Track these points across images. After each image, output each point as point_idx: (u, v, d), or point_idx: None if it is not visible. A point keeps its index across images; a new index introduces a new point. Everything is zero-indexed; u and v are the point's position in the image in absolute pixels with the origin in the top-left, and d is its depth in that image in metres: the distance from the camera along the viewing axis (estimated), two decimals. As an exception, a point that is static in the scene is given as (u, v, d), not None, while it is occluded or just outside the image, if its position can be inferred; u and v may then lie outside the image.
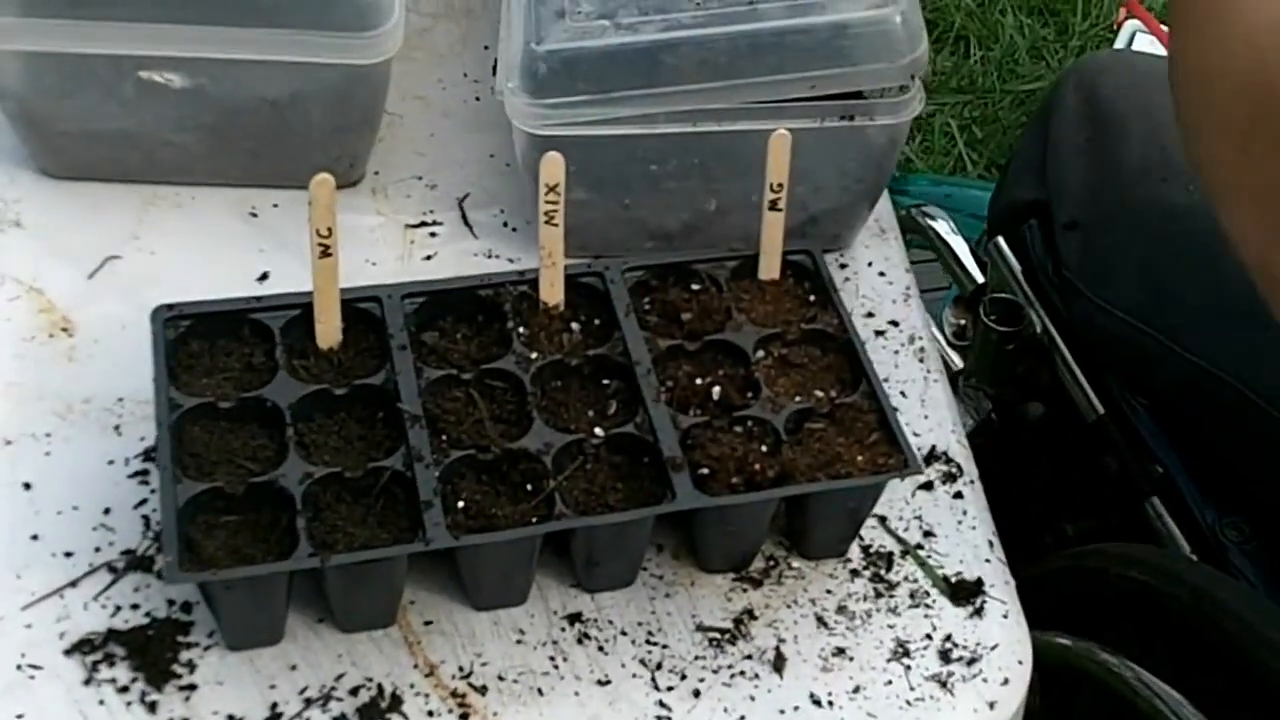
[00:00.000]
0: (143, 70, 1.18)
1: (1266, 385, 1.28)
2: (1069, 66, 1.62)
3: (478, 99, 1.39)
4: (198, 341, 1.07)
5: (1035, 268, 1.53)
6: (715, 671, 1.03)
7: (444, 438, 1.03)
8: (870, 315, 1.26)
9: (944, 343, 1.79)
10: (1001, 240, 1.61)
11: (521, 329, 1.10)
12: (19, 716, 0.97)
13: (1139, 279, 1.37)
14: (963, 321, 1.77)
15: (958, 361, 1.77)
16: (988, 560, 1.11)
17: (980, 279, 1.74)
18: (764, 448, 1.05)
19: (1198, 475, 1.36)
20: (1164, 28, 1.93)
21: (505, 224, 1.29)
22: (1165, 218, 1.39)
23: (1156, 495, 1.38)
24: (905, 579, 1.09)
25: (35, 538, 1.05)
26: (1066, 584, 1.38)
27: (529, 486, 1.02)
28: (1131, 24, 1.97)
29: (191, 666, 1.00)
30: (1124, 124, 1.48)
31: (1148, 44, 1.95)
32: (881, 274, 1.29)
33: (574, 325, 1.12)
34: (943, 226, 1.87)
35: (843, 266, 1.29)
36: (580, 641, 1.04)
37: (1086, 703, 1.41)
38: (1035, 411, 1.55)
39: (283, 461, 1.01)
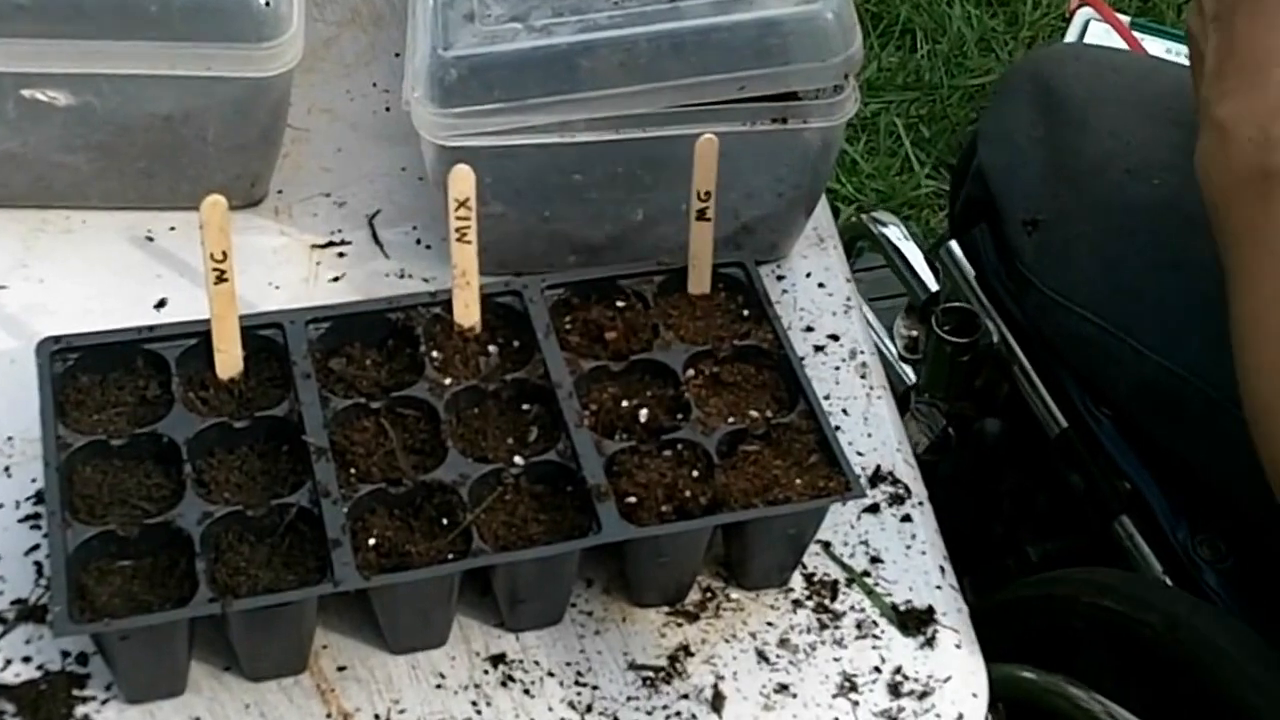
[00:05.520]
0: (25, 89, 1.19)
1: (1233, 387, 1.29)
2: (1020, 58, 1.64)
3: (388, 110, 1.40)
4: (88, 375, 1.08)
5: (989, 272, 1.54)
6: (649, 713, 1.04)
7: (353, 471, 1.04)
8: (809, 329, 1.27)
9: (895, 356, 1.81)
10: (954, 244, 1.62)
11: (435, 353, 1.11)
12: (-98, 781, 0.97)
13: (1100, 275, 1.38)
14: (915, 333, 1.78)
15: (910, 376, 1.78)
16: (939, 587, 1.12)
17: (934, 287, 1.76)
18: (695, 473, 1.06)
19: (1169, 490, 1.37)
20: (1120, 16, 1.95)
21: (419, 241, 1.30)
22: (1128, 212, 1.40)
23: (1125, 513, 1.39)
24: (851, 608, 1.10)
25: (-81, 588, 1.06)
26: (1034, 613, 1.38)
27: (445, 521, 1.03)
28: (1085, 12, 1.98)
29: (87, 722, 1.01)
30: (1084, 114, 1.48)
31: (1102, 33, 1.96)
32: (821, 285, 1.30)
33: (491, 348, 1.13)
34: (894, 232, 1.88)
35: (780, 278, 1.30)
36: (504, 684, 1.04)
37: None
38: (993, 428, 1.56)
39: (180, 501, 1.01)
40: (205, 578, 0.98)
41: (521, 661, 1.06)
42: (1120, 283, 1.37)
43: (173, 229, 1.28)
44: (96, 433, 1.04)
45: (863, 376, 1.24)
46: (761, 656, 1.07)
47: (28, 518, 1.09)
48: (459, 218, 1.08)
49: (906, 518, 1.15)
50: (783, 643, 1.08)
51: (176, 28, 1.17)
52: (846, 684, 1.06)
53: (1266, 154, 1.07)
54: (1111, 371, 1.39)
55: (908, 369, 1.81)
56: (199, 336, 1.08)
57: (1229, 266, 1.10)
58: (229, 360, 1.08)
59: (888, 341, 1.87)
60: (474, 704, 1.03)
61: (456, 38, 1.17)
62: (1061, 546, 1.50)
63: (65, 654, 1.03)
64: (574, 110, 1.16)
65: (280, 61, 1.19)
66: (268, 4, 1.17)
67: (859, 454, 1.18)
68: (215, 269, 1.03)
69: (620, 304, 1.16)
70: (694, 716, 1.04)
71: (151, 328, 1.09)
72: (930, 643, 1.08)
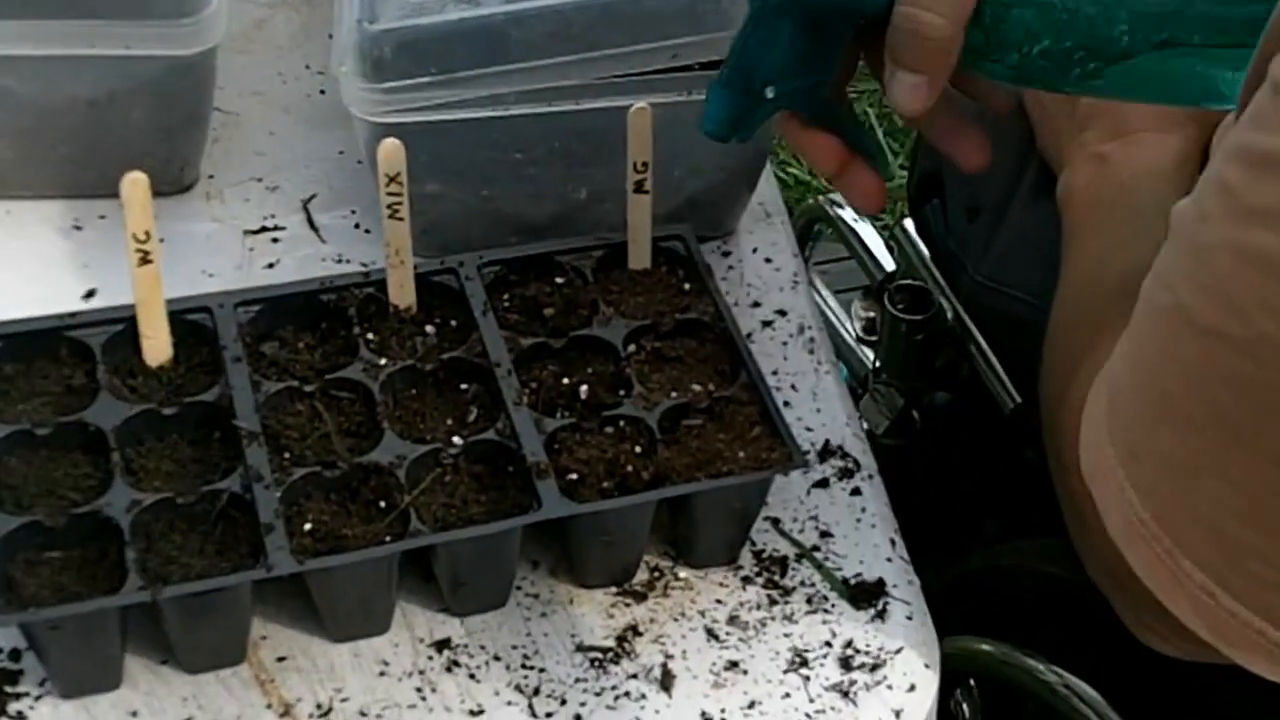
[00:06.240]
0: (-57, 74, 1.19)
1: None
2: None
3: (323, 92, 1.40)
4: (11, 364, 1.07)
5: (941, 249, 1.54)
6: (598, 694, 1.03)
7: (286, 455, 1.04)
8: (756, 305, 1.27)
9: (854, 339, 1.81)
10: (909, 222, 1.63)
11: (370, 335, 1.11)
12: None
13: (1031, 260, 1.39)
14: (872, 314, 1.78)
15: (870, 358, 1.78)
16: (889, 560, 1.12)
17: (891, 267, 1.76)
18: (637, 448, 1.06)
19: None
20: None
21: (356, 225, 1.30)
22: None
23: None
24: (801, 584, 1.10)
25: None
26: (985, 586, 1.38)
27: (382, 503, 1.02)
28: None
29: (21, 718, 1.00)
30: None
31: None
32: (768, 260, 1.31)
33: (428, 328, 1.12)
34: (850, 213, 1.89)
35: (725, 254, 1.30)
36: (449, 670, 1.04)
37: (1031, 714, 1.42)
38: (942, 400, 1.56)
39: (108, 489, 1.01)
40: (136, 567, 0.97)
41: (466, 646, 1.05)
42: (1052, 267, 1.38)
43: (102, 217, 1.28)
44: (21, 422, 1.04)
45: (810, 351, 1.24)
46: (711, 634, 1.07)
47: (-46, 513, 1.08)
48: (390, 193, 1.08)
49: (856, 491, 1.15)
50: (732, 620, 1.07)
51: (94, 5, 1.16)
52: (797, 659, 1.06)
53: (1125, 180, 1.20)
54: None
55: (867, 351, 1.81)
56: (125, 322, 1.08)
57: (1060, 278, 1.19)
58: (156, 346, 1.08)
59: (847, 324, 1.87)
60: (418, 690, 1.03)
61: (383, 10, 1.17)
62: (1019, 521, 1.50)
63: (-4, 649, 1.02)
64: (506, 82, 1.16)
65: (201, 39, 1.19)
66: (186, -21, 1.17)
67: (808, 429, 1.18)
68: (139, 250, 1.03)
69: (559, 280, 1.16)
70: (644, 696, 1.03)
71: (75, 314, 1.09)
72: (881, 615, 1.08)
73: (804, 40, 1.00)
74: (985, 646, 1.33)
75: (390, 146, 1.06)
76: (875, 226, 1.87)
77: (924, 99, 0.98)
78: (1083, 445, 0.97)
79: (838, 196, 1.94)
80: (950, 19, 0.95)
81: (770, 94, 1.01)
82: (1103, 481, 0.94)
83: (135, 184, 1.00)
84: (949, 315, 1.54)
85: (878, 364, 1.71)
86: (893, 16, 0.96)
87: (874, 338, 1.77)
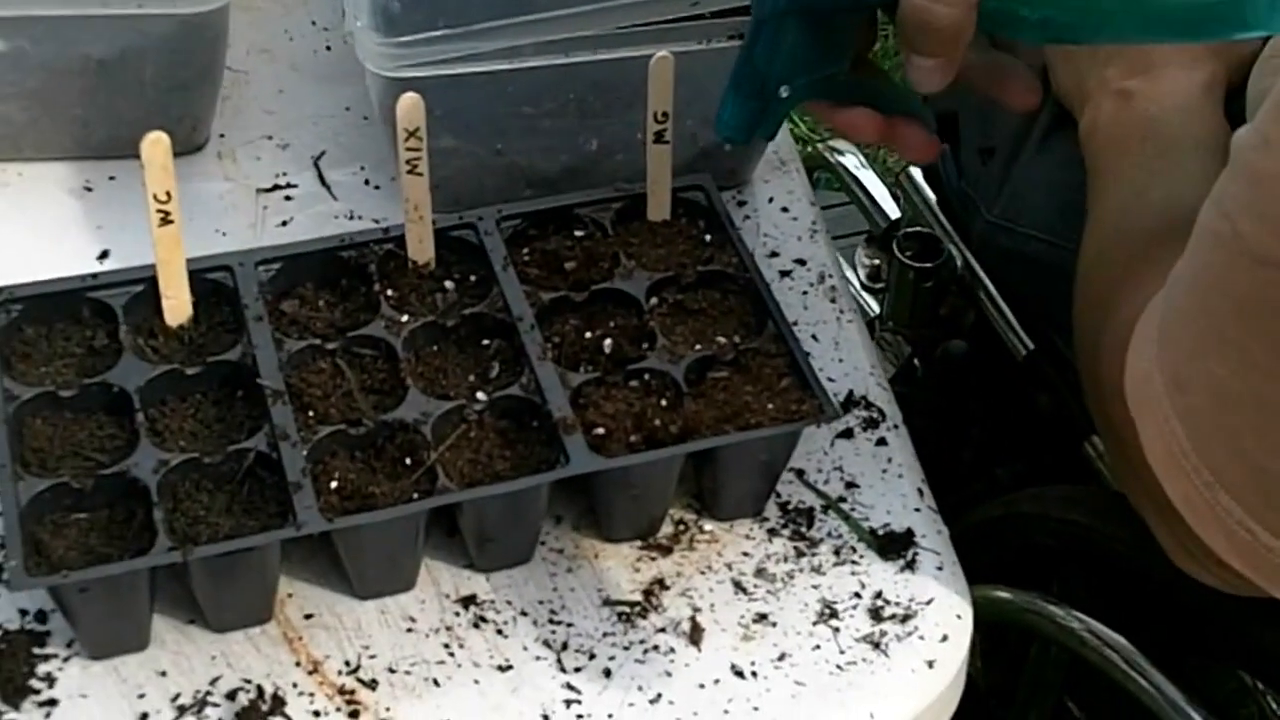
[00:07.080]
0: (-46, 35, 1.18)
1: None
2: None
3: (329, 48, 1.40)
4: (33, 327, 1.07)
5: (951, 196, 1.54)
6: (626, 648, 1.04)
7: (311, 413, 1.04)
8: (774, 255, 1.27)
9: (858, 287, 1.81)
10: (915, 169, 1.63)
11: (390, 291, 1.11)
12: None
13: (1046, 199, 1.39)
14: (876, 262, 1.78)
15: (874, 306, 1.79)
16: (917, 509, 1.12)
17: (895, 215, 1.76)
18: (663, 402, 1.06)
19: None
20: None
21: (367, 181, 1.30)
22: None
23: (1095, 433, 1.39)
24: (829, 535, 1.10)
25: None
26: (1005, 533, 1.39)
27: (408, 460, 1.02)
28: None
29: (50, 680, 1.00)
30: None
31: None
32: (784, 209, 1.30)
33: (448, 284, 1.12)
34: (851, 160, 1.89)
35: (741, 204, 1.30)
36: (477, 625, 1.04)
37: (1036, 661, 1.43)
38: (958, 349, 1.56)
39: (134, 450, 1.01)
40: (164, 527, 0.97)
41: (493, 602, 1.05)
42: (1067, 204, 1.38)
43: (112, 179, 1.28)
44: (45, 384, 1.04)
45: (832, 300, 1.24)
46: (739, 587, 1.07)
47: (-23, 477, 1.08)
48: (409, 149, 1.07)
49: (882, 441, 1.16)
50: (759, 572, 1.08)
51: (105, -35, 1.16)
52: (826, 611, 1.06)
53: (1153, 114, 1.20)
54: (1066, 287, 1.39)
55: (870, 299, 1.82)
56: (146, 283, 1.08)
57: (1090, 212, 1.19)
58: (177, 306, 1.07)
59: (849, 272, 1.87)
60: (446, 646, 1.03)
61: (396, -36, 1.16)
62: (1031, 468, 1.50)
63: (23, 612, 1.02)
64: (522, 34, 1.16)
65: (213, -5, 1.19)
66: (197, -65, 1.17)
67: (830, 379, 1.18)
68: (159, 210, 1.03)
69: (579, 233, 1.16)
70: (672, 649, 1.04)
71: (96, 275, 1.09)
72: (911, 566, 1.08)
73: (812, 37, 0.99)
74: (1006, 594, 1.34)
75: (410, 101, 1.05)
76: (878, 173, 1.88)
77: (941, 79, 0.97)
78: (1129, 372, 0.97)
79: (839, 144, 1.94)
80: (960, 6, 0.94)
81: (785, 93, 1.00)
82: (1148, 410, 0.94)
83: (156, 144, 1.00)
84: (958, 263, 1.54)
85: (883, 312, 1.72)
86: (901, 6, 0.95)
87: (879, 285, 1.78)
